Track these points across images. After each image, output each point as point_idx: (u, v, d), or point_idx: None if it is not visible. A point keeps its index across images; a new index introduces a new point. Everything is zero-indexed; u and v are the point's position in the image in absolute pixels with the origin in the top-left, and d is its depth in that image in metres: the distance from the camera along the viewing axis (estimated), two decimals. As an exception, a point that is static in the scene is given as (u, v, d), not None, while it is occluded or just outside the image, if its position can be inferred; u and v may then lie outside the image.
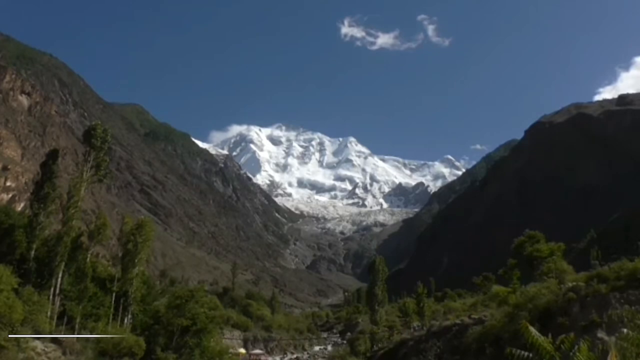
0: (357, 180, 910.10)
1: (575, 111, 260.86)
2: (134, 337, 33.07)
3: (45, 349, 27.29)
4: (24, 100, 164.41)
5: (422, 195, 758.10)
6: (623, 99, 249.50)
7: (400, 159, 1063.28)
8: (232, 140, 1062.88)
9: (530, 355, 7.49)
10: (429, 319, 65.75)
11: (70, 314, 32.32)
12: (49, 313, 29.93)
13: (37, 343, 26.95)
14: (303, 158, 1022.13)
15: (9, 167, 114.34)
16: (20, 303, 25.93)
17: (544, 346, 7.36)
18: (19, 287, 27.99)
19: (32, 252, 32.97)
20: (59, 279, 32.64)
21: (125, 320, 37.80)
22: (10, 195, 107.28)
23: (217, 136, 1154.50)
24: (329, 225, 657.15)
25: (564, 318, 28.71)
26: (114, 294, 36.85)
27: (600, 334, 24.97)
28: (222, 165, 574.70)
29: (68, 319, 32.14)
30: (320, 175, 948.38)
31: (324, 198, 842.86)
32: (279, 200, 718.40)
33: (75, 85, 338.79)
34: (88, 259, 35.93)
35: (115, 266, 41.43)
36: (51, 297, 31.75)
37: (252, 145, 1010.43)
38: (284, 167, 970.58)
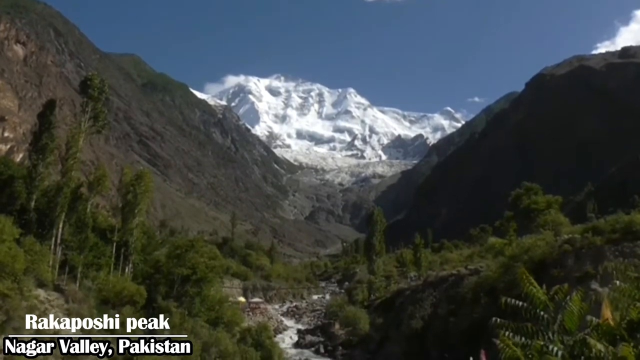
0: (356, 132, 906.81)
1: (577, 64, 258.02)
2: (135, 285, 33.54)
3: (49, 297, 27.73)
4: (19, 50, 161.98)
5: (421, 147, 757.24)
6: (626, 51, 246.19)
7: (400, 111, 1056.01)
8: (231, 91, 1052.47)
9: (525, 304, 7.61)
10: (425, 270, 66.64)
11: (72, 264, 32.69)
12: (50, 262, 30.25)
13: (40, 291, 27.37)
14: (302, 109, 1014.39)
15: (7, 117, 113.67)
16: (22, 253, 26.19)
17: (537, 296, 7.46)
18: (21, 238, 28.21)
19: (32, 203, 33.06)
20: (60, 230, 32.83)
21: (127, 270, 38.24)
22: (8, 146, 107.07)
23: (214, 87, 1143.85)
24: (327, 176, 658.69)
25: (558, 269, 29.14)
26: (114, 244, 37.12)
27: (594, 286, 25.39)
28: (221, 116, 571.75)
29: (70, 269, 32.52)
30: (319, 127, 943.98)
31: (322, 149, 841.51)
32: (277, 151, 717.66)
33: (71, 34, 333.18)
34: (88, 210, 36.06)
35: (115, 217, 41.60)
36: (52, 247, 32.01)
37: (250, 96, 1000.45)
38: (282, 118, 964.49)
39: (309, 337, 62.02)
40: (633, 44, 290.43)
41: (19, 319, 22.85)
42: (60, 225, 32.92)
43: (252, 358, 38.48)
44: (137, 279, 37.56)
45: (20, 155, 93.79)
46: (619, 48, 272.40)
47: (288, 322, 78.89)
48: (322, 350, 54.64)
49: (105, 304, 31.07)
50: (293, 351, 54.52)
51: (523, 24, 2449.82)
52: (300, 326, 73.60)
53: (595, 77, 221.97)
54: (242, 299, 77.45)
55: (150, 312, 33.25)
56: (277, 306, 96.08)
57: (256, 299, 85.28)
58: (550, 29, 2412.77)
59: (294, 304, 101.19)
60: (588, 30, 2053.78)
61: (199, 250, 39.30)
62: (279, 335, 62.34)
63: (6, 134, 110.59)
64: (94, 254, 36.25)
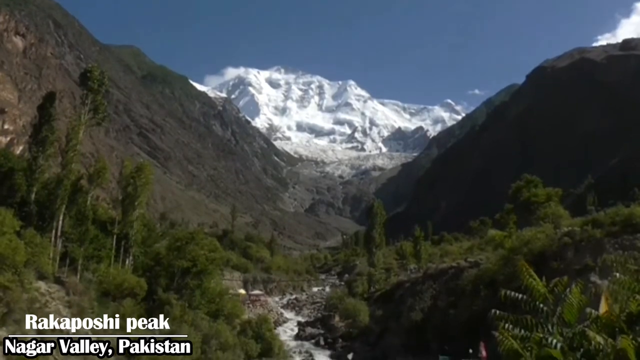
0: (356, 124, 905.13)
1: (578, 56, 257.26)
2: (135, 278, 33.63)
3: (49, 289, 27.79)
4: (19, 41, 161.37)
5: (421, 140, 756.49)
6: (627, 43, 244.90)
7: (400, 103, 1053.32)
8: (231, 83, 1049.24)
9: (524, 297, 7.64)
10: (425, 262, 66.73)
11: (73, 256, 32.73)
12: (51, 255, 30.29)
13: (41, 283, 27.42)
14: (302, 101, 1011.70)
15: (6, 110, 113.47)
16: (23, 245, 26.20)
17: (537, 288, 7.50)
18: (21, 230, 28.22)
19: (33, 195, 33.04)
20: (60, 222, 32.85)
21: (127, 262, 38.30)
22: (8, 139, 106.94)
23: (214, 79, 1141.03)
24: (327, 169, 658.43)
25: (558, 262, 29.19)
26: (115, 237, 37.16)
27: (594, 278, 25.47)
28: (221, 109, 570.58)
29: (70, 261, 32.58)
30: (319, 119, 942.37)
31: (323, 142, 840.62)
32: (277, 143, 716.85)
33: (70, 26, 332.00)
34: (88, 202, 36.06)
35: (116, 209, 41.63)
36: (53, 239, 32.03)
37: (250, 88, 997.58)
38: (282, 111, 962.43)
39: (309, 330, 62.20)
40: (634, 36, 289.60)
41: (19, 311, 22.92)
42: (61, 218, 32.95)
43: (253, 350, 38.61)
44: (137, 271, 37.64)
45: (20, 148, 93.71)
46: (619, 40, 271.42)
47: (288, 314, 79.12)
48: (322, 342, 54.82)
49: (106, 297, 31.15)
50: (293, 343, 54.69)
51: (524, 16, 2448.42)
52: (300, 318, 73.82)
53: (596, 70, 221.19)
54: (242, 291, 77.64)
55: (150, 304, 33.40)
56: (277, 298, 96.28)
57: (256, 292, 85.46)
58: (551, 21, 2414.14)
59: (294, 296, 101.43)
60: (589, 23, 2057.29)
61: (199, 243, 39.35)
62: (279, 328, 62.53)
63: (6, 127, 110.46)
64: (95, 246, 36.29)
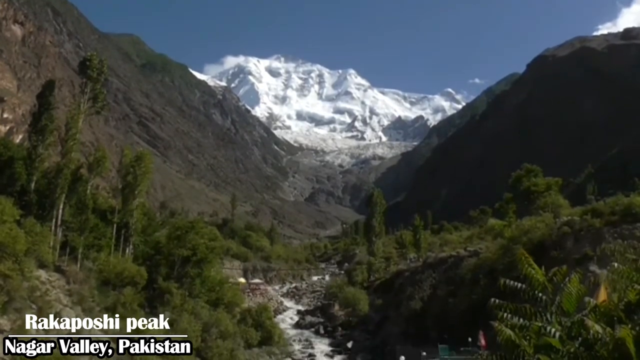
0: (357, 113, 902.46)
1: (578, 45, 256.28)
2: (135, 266, 33.70)
3: (50, 278, 27.87)
4: (18, 30, 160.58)
5: (422, 129, 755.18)
6: (628, 32, 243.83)
7: (400, 92, 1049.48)
8: (230, 72, 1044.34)
9: (523, 286, 7.66)
10: (425, 251, 66.93)
11: (73, 245, 32.74)
12: (51, 243, 30.34)
13: (42, 272, 27.50)
14: (302, 90, 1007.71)
15: (5, 98, 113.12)
16: (23, 234, 26.22)
17: (536, 277, 7.51)
18: (21, 219, 28.23)
19: (33, 184, 33.05)
20: (60, 211, 32.87)
21: (127, 251, 38.34)
22: (7, 127, 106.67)
23: (214, 68, 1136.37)
24: (327, 158, 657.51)
25: (557, 251, 29.23)
26: (115, 225, 37.18)
27: (593, 267, 25.51)
28: (221, 97, 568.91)
29: (70, 250, 32.60)
30: (319, 108, 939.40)
31: (323, 131, 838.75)
32: (277, 132, 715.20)
33: (69, 14, 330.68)
34: (88, 191, 36.02)
35: (116, 198, 41.62)
36: (53, 228, 32.07)
37: (250, 77, 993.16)
38: (282, 100, 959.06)
39: (308, 318, 62.39)
40: (635, 25, 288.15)
41: (20, 299, 23.00)
42: (61, 207, 32.97)
43: (252, 338, 38.79)
44: (137, 260, 37.69)
45: (20, 137, 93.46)
46: (620, 29, 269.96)
47: (288, 303, 79.25)
48: (321, 330, 54.98)
49: (106, 285, 31.23)
50: (293, 332, 54.88)
51: (524, 5, 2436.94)
52: (300, 307, 73.98)
53: (597, 59, 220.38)
54: (242, 280, 77.69)
55: (151, 293, 33.54)
56: (277, 287, 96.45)
57: (256, 280, 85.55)
58: (551, 10, 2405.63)
59: (294, 285, 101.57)
60: (589, 11, 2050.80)
61: (199, 232, 39.42)
62: (279, 316, 62.72)
63: (5, 115, 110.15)
64: (95, 235, 36.30)
